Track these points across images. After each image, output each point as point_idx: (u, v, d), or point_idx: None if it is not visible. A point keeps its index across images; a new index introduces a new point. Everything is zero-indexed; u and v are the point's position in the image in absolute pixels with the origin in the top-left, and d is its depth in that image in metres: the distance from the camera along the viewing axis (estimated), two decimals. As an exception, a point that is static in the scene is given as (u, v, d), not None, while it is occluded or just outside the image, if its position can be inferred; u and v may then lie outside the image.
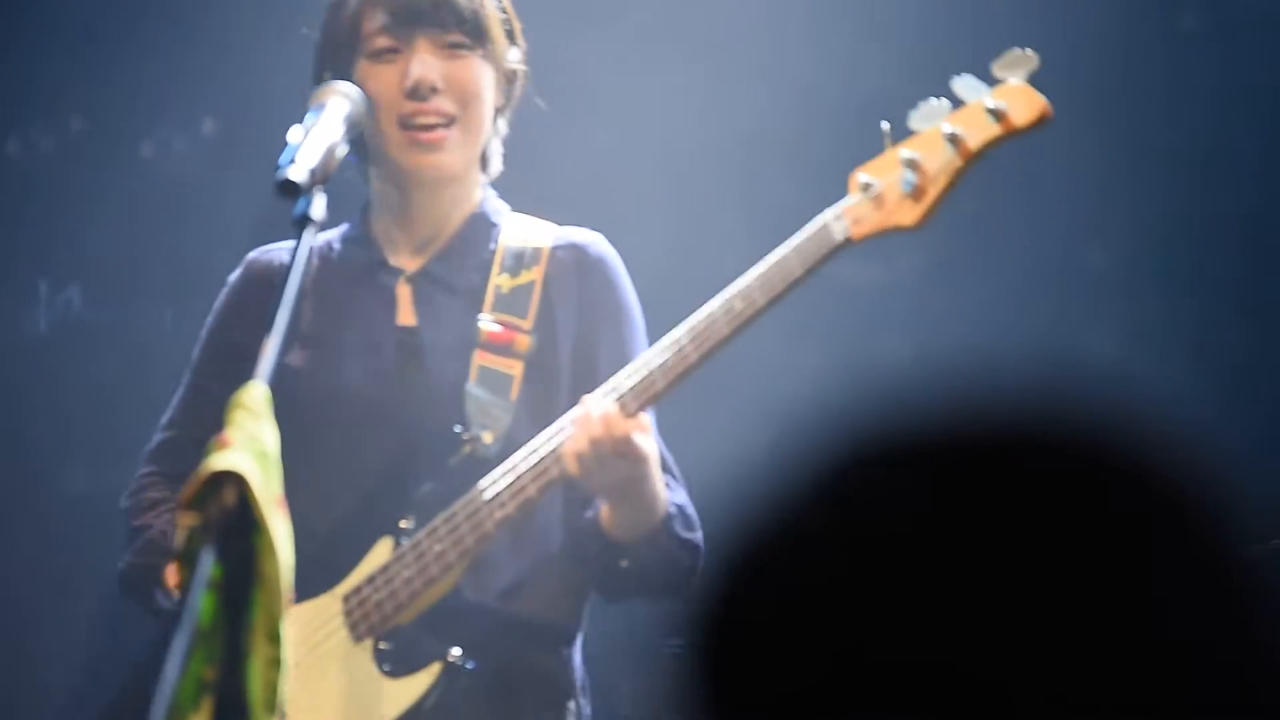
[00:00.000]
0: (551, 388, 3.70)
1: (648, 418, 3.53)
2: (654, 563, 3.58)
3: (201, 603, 2.42)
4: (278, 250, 3.81)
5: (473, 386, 3.63)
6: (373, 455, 3.62)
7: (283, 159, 3.02)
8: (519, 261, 3.73)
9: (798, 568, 1.60)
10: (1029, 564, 1.56)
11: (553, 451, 3.51)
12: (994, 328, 6.50)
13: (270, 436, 2.59)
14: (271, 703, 2.47)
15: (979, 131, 3.30)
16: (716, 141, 6.49)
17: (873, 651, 1.55)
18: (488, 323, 3.68)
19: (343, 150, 3.14)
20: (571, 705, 3.68)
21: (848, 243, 3.37)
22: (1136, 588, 1.53)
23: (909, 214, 3.33)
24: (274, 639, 2.48)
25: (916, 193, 3.31)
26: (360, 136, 3.60)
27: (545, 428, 3.60)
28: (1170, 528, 1.55)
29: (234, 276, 3.85)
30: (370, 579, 3.56)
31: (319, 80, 3.66)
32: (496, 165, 3.79)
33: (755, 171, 6.47)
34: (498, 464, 3.56)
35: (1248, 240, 6.56)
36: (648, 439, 3.49)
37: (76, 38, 6.68)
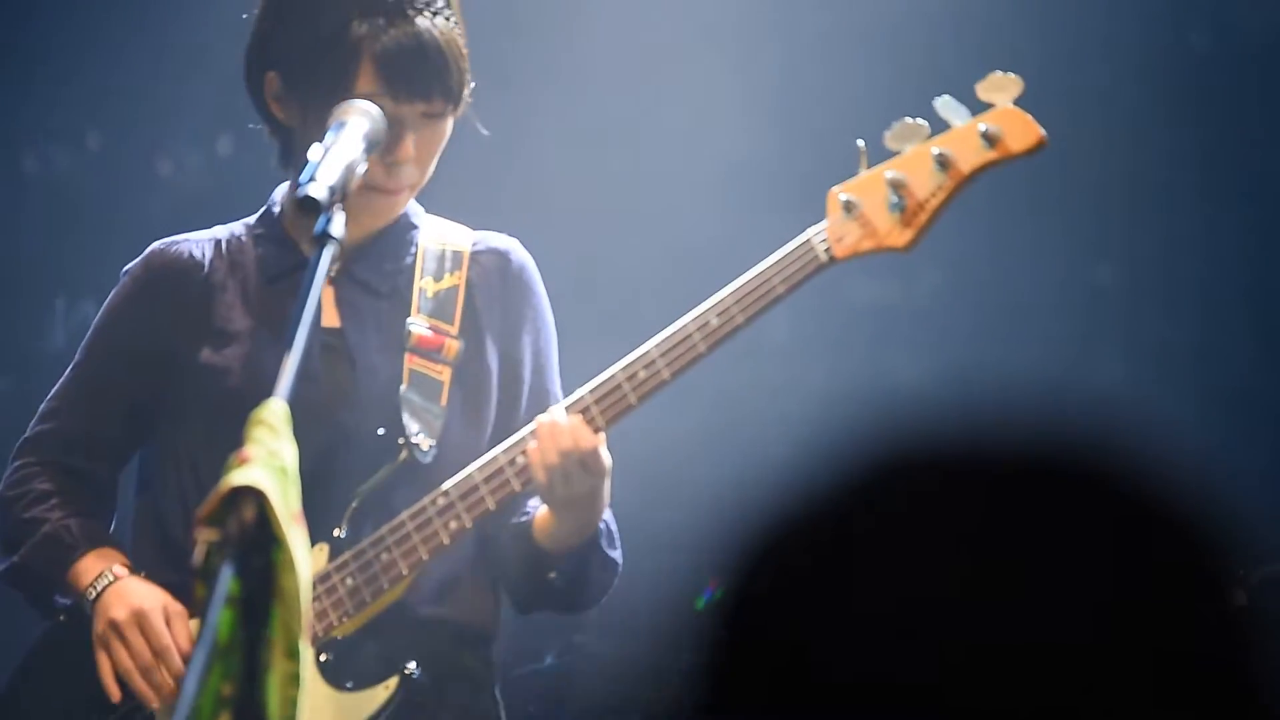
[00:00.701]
0: (479, 394, 3.66)
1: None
2: (580, 577, 3.59)
3: (220, 618, 2.43)
4: (184, 241, 3.71)
5: (407, 391, 3.59)
6: (301, 459, 3.51)
7: (303, 176, 3.05)
8: (440, 265, 3.69)
9: (806, 584, 1.62)
10: (1033, 582, 1.57)
11: (512, 464, 3.48)
12: (1003, 347, 6.51)
13: (289, 453, 2.61)
14: (290, 718, 2.49)
15: (971, 155, 3.24)
16: (695, 159, 6.49)
17: (872, 665, 1.56)
18: (419, 326, 3.64)
19: (362, 168, 3.16)
20: (493, 704, 3.68)
21: (831, 262, 3.33)
22: (1139, 607, 1.55)
23: (899, 236, 3.28)
24: (292, 655, 2.49)
25: (906, 215, 3.25)
26: (292, 138, 3.61)
27: (474, 434, 3.61)
28: (1174, 548, 1.56)
29: (134, 266, 3.74)
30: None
31: (259, 80, 3.63)
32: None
33: (731, 189, 6.48)
34: (431, 470, 3.55)
35: (1253, 260, 6.58)
36: (606, 454, 3.47)
37: (93, 54, 6.71)
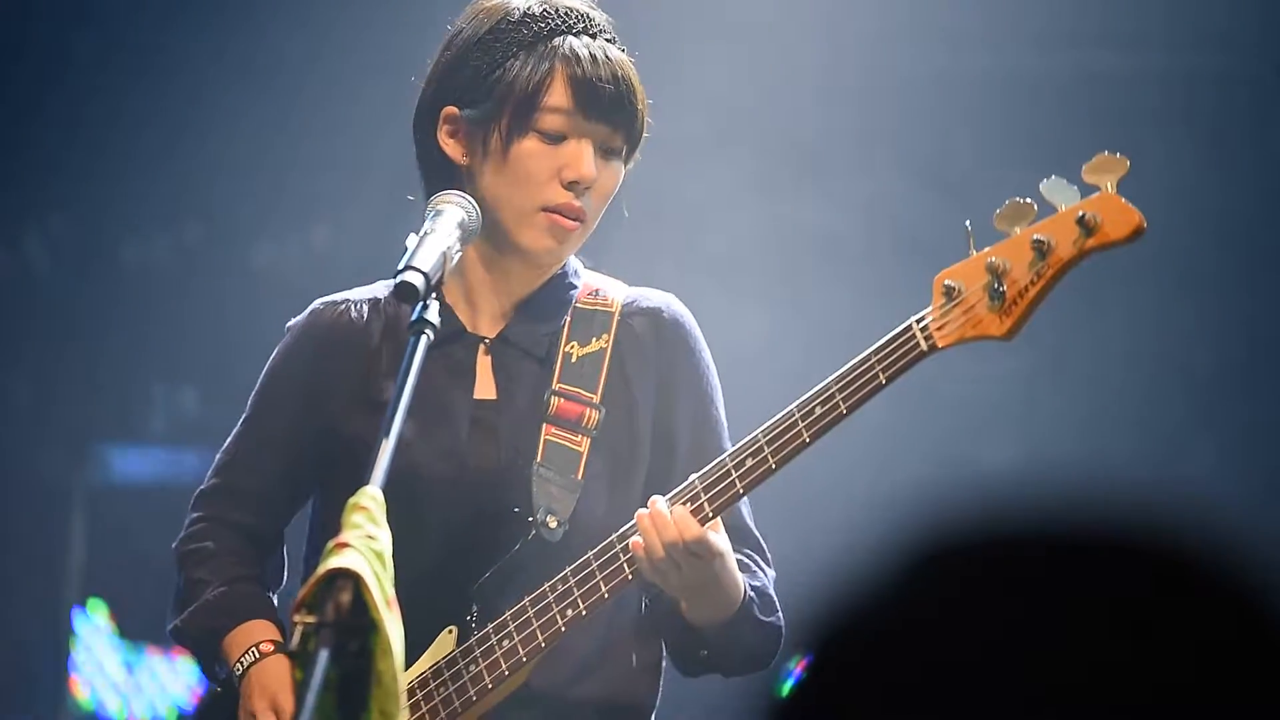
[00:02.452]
0: (627, 464, 3.61)
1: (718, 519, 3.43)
2: (732, 650, 3.52)
3: (319, 703, 2.46)
4: (344, 302, 3.67)
5: (540, 466, 3.54)
6: (437, 537, 3.51)
7: (400, 264, 3.08)
8: (589, 327, 3.63)
9: (893, 665, 1.62)
10: (1122, 671, 1.57)
11: (626, 549, 3.42)
12: (1097, 430, 6.49)
13: (385, 539, 2.63)
14: (387, 800, 2.51)
15: (1069, 243, 3.17)
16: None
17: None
18: (558, 395, 3.58)
19: (457, 257, 3.19)
20: None
21: (933, 350, 3.27)
22: (1233, 708, 1.54)
23: (999, 325, 3.22)
24: (388, 738, 2.52)
25: (1006, 303, 3.20)
26: (461, 180, 3.53)
27: (618, 506, 3.53)
28: (1264, 640, 1.56)
29: (298, 323, 3.70)
30: (436, 672, 3.49)
31: (435, 113, 3.57)
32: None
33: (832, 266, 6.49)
34: (564, 548, 3.49)
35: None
36: (720, 536, 3.40)
37: (193, 145, 6.81)
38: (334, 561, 2.56)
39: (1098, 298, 6.49)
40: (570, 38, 3.53)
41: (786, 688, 1.75)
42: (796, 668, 1.71)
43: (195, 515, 3.70)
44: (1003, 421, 6.63)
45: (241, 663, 3.54)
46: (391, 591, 2.61)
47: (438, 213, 3.27)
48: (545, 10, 3.56)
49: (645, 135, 3.57)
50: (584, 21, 3.56)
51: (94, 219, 6.99)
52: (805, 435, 3.33)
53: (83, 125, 6.87)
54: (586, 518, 3.53)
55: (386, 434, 2.81)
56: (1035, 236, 3.18)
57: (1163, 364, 6.64)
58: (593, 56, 3.52)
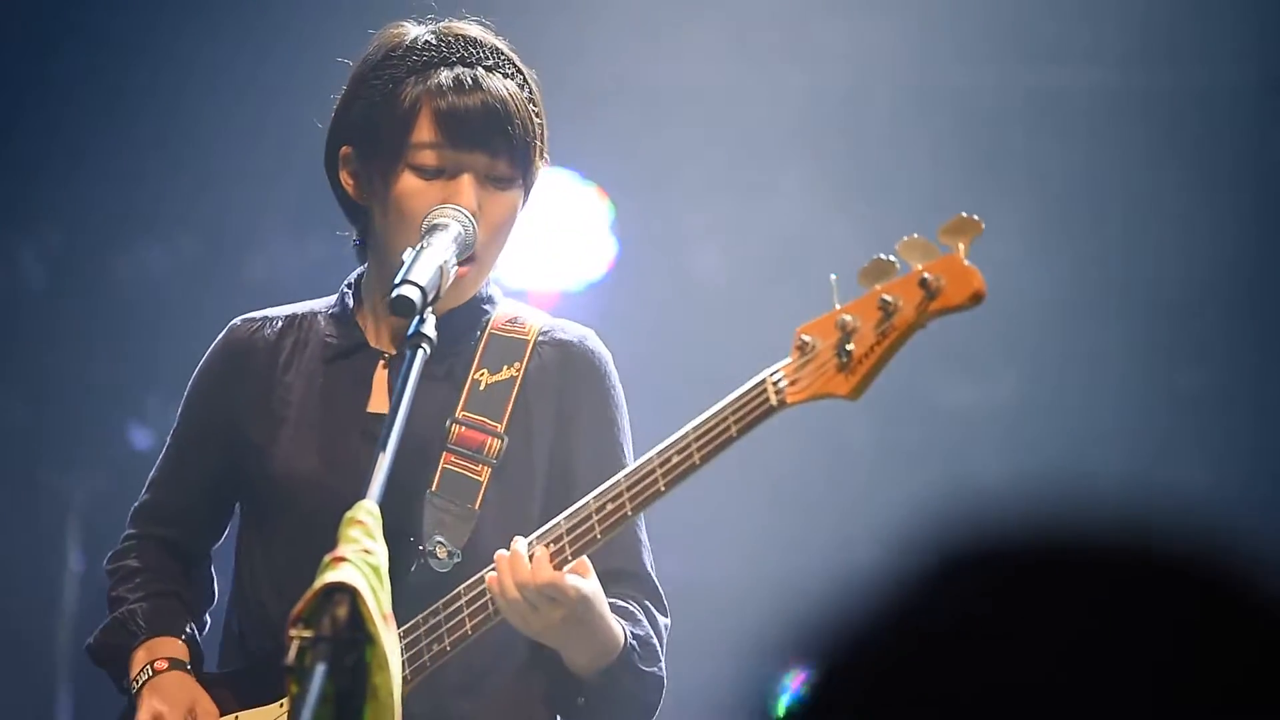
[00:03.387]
0: (523, 495, 3.55)
1: (585, 560, 3.35)
2: (611, 697, 3.47)
3: (315, 716, 2.46)
4: (260, 319, 3.68)
5: (434, 495, 3.49)
6: (319, 548, 3.19)
7: (397, 278, 3.10)
8: (501, 355, 3.59)
9: (888, 684, 1.62)
10: (1113, 684, 1.58)
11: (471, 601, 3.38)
12: (1088, 450, 6.49)
13: (381, 553, 2.64)
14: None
15: (913, 305, 3.08)
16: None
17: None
18: (459, 423, 3.53)
19: (453, 271, 3.19)
20: None
21: (782, 406, 3.19)
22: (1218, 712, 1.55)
23: (844, 384, 3.13)
24: (384, 751, 2.52)
25: (852, 361, 3.12)
26: (367, 219, 3.53)
27: (513, 536, 3.42)
28: (1256, 651, 1.57)
29: (216, 341, 3.71)
30: None
31: (333, 154, 3.56)
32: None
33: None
34: (454, 577, 3.44)
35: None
36: (585, 580, 3.32)
37: (187, 157, 6.82)
38: (330, 576, 2.57)
39: (1083, 318, 6.51)
40: (443, 70, 3.48)
41: (782, 705, 1.75)
42: (793, 684, 1.71)
43: (127, 532, 3.73)
44: (997, 438, 6.63)
45: (138, 680, 3.56)
46: (388, 606, 2.62)
47: (433, 227, 3.29)
48: (428, 42, 3.52)
49: (541, 159, 3.51)
50: (464, 50, 3.50)
51: (86, 233, 6.99)
52: (661, 484, 3.25)
53: (77, 137, 6.87)
54: (480, 548, 3.47)
55: (383, 448, 2.82)
56: (883, 296, 3.10)
57: (1151, 382, 6.65)
58: (459, 86, 3.46)
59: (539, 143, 3.51)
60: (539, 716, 3.57)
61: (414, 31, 3.54)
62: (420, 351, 3.00)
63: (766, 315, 6.74)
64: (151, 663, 3.56)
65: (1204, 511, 1.75)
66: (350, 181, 3.56)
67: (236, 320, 3.71)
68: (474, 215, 3.40)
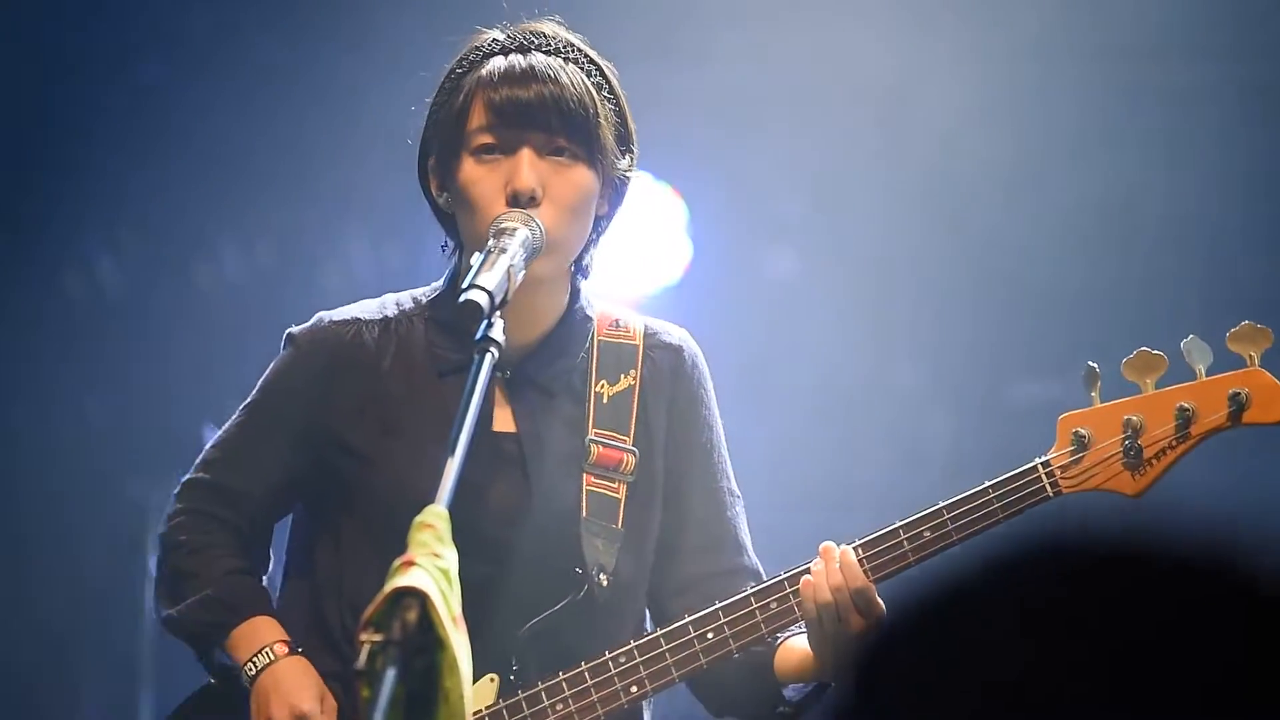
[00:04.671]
0: (649, 507, 3.55)
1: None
2: (806, 711, 3.46)
3: None
4: (352, 320, 3.58)
5: (587, 520, 3.46)
6: (467, 576, 3.11)
7: (465, 282, 3.09)
8: (616, 362, 3.54)
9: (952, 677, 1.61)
10: (1181, 691, 1.56)
11: (702, 637, 3.38)
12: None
13: (452, 558, 2.64)
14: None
15: (1217, 416, 3.13)
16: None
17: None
18: (597, 443, 3.51)
19: (520, 276, 3.19)
20: None
21: (1056, 495, 3.23)
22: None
23: (1131, 483, 3.17)
24: (456, 755, 2.53)
25: (1142, 462, 3.15)
26: (457, 226, 3.49)
27: (642, 555, 3.47)
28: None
29: (303, 336, 3.60)
30: None
31: (423, 167, 3.52)
32: (594, 270, 3.59)
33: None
34: (606, 602, 3.43)
35: None
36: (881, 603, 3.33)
37: (265, 165, 6.86)
38: (400, 579, 2.57)
39: (1174, 316, 6.47)
40: (498, 58, 3.46)
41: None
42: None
43: (180, 505, 3.64)
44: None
45: (255, 663, 3.48)
46: (458, 609, 2.62)
47: (501, 230, 3.27)
48: (495, 39, 3.50)
49: (609, 132, 3.46)
50: (525, 39, 3.49)
51: (165, 241, 7.04)
52: (911, 557, 3.31)
53: (156, 145, 6.92)
54: (625, 569, 3.48)
55: (452, 453, 2.81)
56: (1181, 403, 3.14)
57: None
58: (508, 68, 3.43)
59: (604, 120, 3.45)
60: None
61: (489, 35, 3.53)
62: (489, 355, 2.98)
63: (842, 318, 6.74)
64: (269, 646, 3.49)
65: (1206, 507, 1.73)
66: (436, 190, 3.53)
67: (326, 319, 3.61)
68: (538, 194, 3.37)
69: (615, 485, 3.51)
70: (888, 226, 6.76)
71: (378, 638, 2.54)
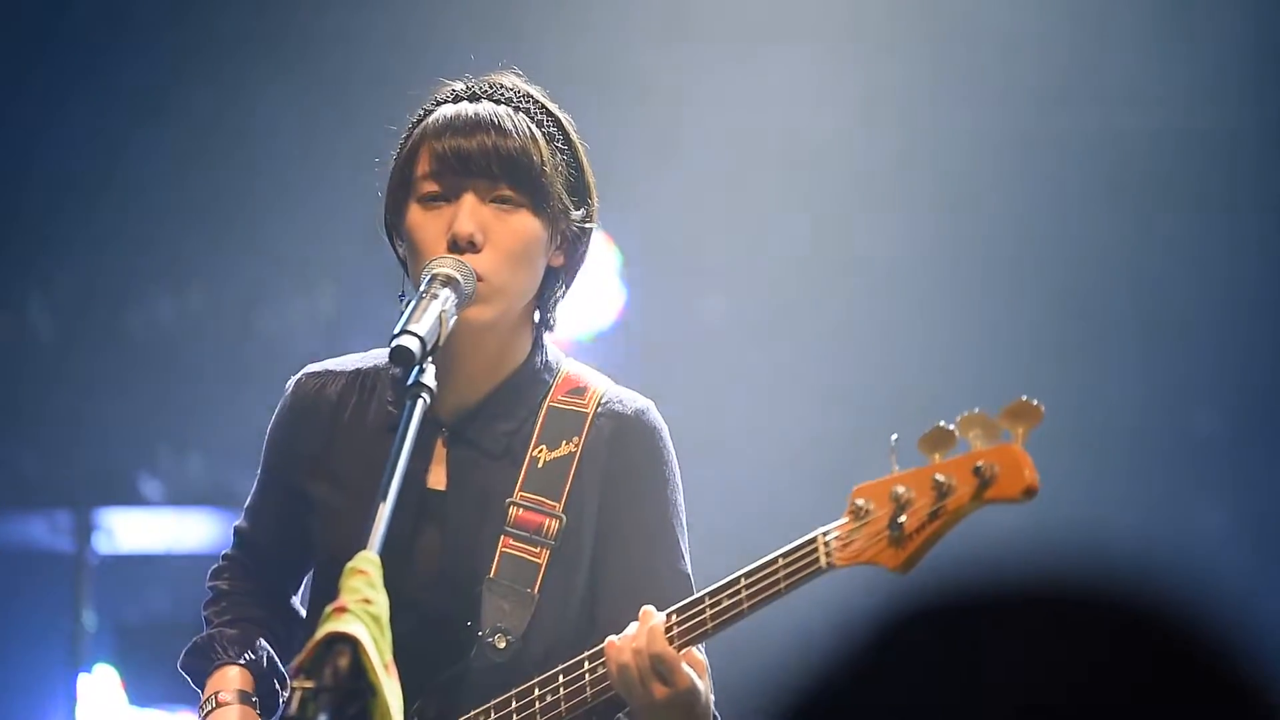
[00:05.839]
0: (575, 571, 3.49)
1: (702, 658, 3.33)
2: None
3: (317, 767, 2.46)
4: (326, 373, 3.61)
5: (492, 581, 3.44)
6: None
7: (396, 328, 3.08)
8: (560, 430, 3.51)
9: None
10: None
11: (589, 674, 3.33)
12: (1101, 495, 6.48)
13: (383, 603, 2.63)
14: None
15: (964, 492, 3.07)
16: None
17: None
18: (518, 505, 3.47)
19: (452, 321, 3.18)
20: None
21: (830, 568, 3.17)
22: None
23: (893, 556, 3.11)
24: (386, 802, 2.52)
25: (903, 535, 3.10)
26: (407, 278, 3.46)
27: (568, 616, 3.45)
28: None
29: (288, 388, 3.65)
30: None
31: (387, 219, 3.51)
32: (557, 323, 3.57)
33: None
34: (511, 665, 3.40)
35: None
36: (697, 676, 3.27)
37: (195, 210, 6.85)
38: (332, 626, 2.56)
39: (1100, 355, 6.51)
40: (445, 107, 3.47)
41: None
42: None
43: (227, 551, 3.71)
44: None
45: (203, 709, 3.53)
46: (389, 655, 2.61)
47: (432, 277, 3.27)
48: (452, 89, 3.51)
49: (558, 181, 3.45)
50: (476, 89, 3.50)
51: (96, 283, 7.01)
52: (709, 624, 3.23)
53: (85, 190, 6.90)
54: (538, 632, 3.45)
55: (383, 498, 2.81)
56: (937, 476, 3.08)
57: (1167, 426, 6.64)
58: (454, 115, 3.44)
59: (549, 169, 3.44)
60: None
61: (449, 86, 3.53)
62: (420, 401, 2.98)
63: (773, 362, 6.76)
64: (217, 693, 3.53)
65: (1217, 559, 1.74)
66: (396, 240, 3.53)
67: (305, 370, 3.65)
68: (478, 240, 3.37)
69: (537, 550, 3.48)
70: (817, 269, 6.78)
71: (309, 684, 2.53)
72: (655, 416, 3.57)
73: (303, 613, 3.70)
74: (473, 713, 3.40)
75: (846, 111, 6.76)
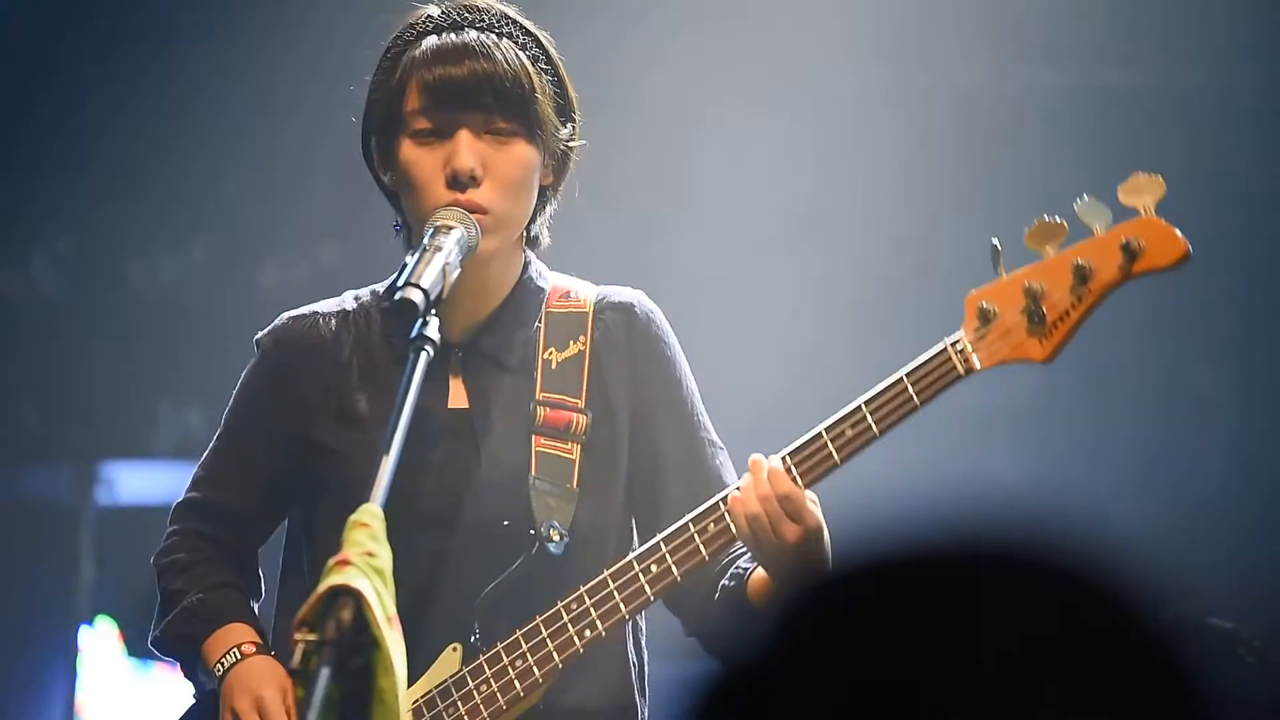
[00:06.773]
0: (610, 468, 3.55)
1: (815, 496, 3.35)
2: None
3: None
4: (312, 315, 3.61)
5: (536, 479, 3.47)
6: (423, 552, 3.41)
7: (399, 280, 3.09)
8: (564, 331, 3.56)
9: (878, 669, 1.62)
10: (1121, 677, 1.57)
11: (646, 570, 3.38)
12: (1103, 450, 6.49)
13: (386, 556, 2.63)
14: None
15: (1112, 270, 3.12)
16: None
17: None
18: (543, 405, 3.51)
19: (456, 274, 3.18)
20: None
21: (969, 373, 3.23)
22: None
23: (1039, 349, 3.18)
24: (390, 755, 2.52)
25: (1046, 327, 3.15)
26: (398, 207, 3.50)
27: (609, 510, 3.49)
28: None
29: (264, 338, 3.63)
30: (445, 692, 3.43)
31: (366, 146, 3.52)
32: (544, 240, 3.60)
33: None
34: (565, 559, 3.44)
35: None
36: (818, 511, 3.32)
37: (199, 165, 6.84)
38: (335, 579, 2.56)
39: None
40: (431, 37, 3.46)
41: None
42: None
43: (172, 529, 3.67)
44: (1012, 441, 6.63)
45: (222, 664, 3.48)
46: (393, 609, 2.61)
47: (436, 229, 3.27)
48: (428, 16, 3.50)
49: (548, 105, 3.46)
50: (458, 16, 3.48)
51: (100, 239, 7.01)
52: (836, 457, 3.29)
53: (89, 146, 6.89)
54: (584, 526, 3.48)
55: (386, 450, 2.80)
56: (1077, 261, 3.14)
57: (1170, 381, 6.65)
58: (442, 47, 3.44)
59: (540, 94, 3.45)
60: (639, 690, 3.58)
61: (423, 10, 3.52)
62: (424, 354, 2.98)
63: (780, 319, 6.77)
64: (237, 646, 3.50)
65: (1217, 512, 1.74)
66: (380, 168, 3.52)
67: (284, 317, 3.63)
68: (478, 174, 3.37)
69: (568, 446, 3.51)
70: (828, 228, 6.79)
71: (312, 637, 2.53)
72: (651, 302, 3.65)
73: (261, 574, 3.70)
74: (565, 601, 3.41)
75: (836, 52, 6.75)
